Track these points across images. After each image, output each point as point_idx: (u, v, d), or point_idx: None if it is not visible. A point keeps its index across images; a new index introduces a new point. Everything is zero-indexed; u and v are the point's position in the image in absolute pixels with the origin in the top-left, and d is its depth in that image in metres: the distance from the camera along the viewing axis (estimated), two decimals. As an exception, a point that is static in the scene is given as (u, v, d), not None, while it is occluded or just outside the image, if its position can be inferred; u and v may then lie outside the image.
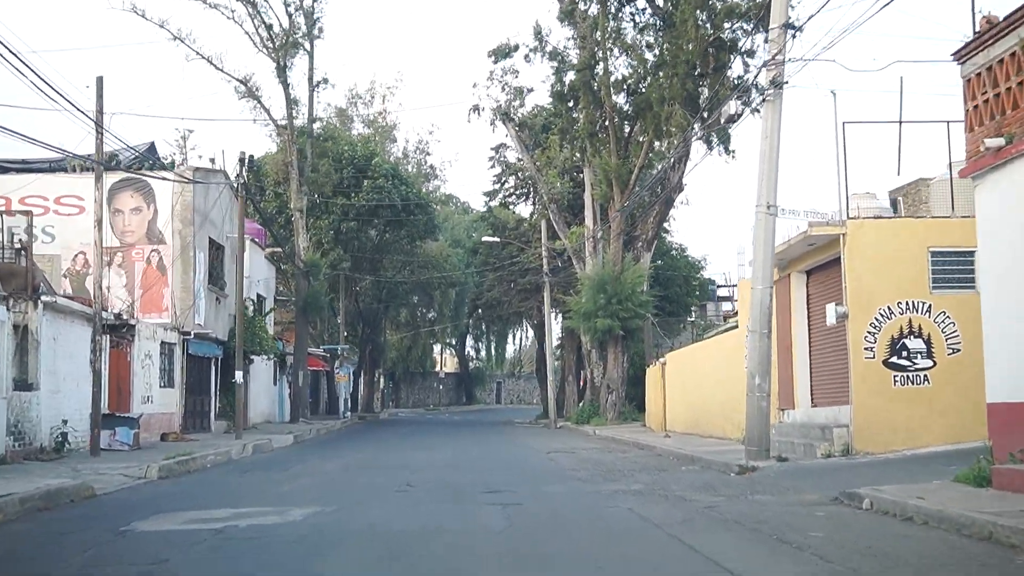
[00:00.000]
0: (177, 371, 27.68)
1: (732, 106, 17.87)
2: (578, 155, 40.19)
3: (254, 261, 37.32)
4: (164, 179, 27.72)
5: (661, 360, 32.59)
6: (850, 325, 16.68)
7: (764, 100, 16.48)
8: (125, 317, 24.38)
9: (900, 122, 16.76)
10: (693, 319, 49.43)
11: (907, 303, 16.68)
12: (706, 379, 26.11)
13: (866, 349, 16.60)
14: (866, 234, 16.73)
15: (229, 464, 20.42)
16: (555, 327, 49.73)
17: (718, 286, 56.85)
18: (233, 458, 21.86)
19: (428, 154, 65.99)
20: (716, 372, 25.16)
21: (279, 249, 41.67)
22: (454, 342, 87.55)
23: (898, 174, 17.13)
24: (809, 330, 19.59)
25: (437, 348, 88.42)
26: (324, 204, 45.53)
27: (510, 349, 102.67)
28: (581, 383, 49.06)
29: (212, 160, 30.57)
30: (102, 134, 19.13)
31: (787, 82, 16.39)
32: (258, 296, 37.95)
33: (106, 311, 21.78)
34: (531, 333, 77.22)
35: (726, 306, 52.85)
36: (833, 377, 18.39)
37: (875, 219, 17.04)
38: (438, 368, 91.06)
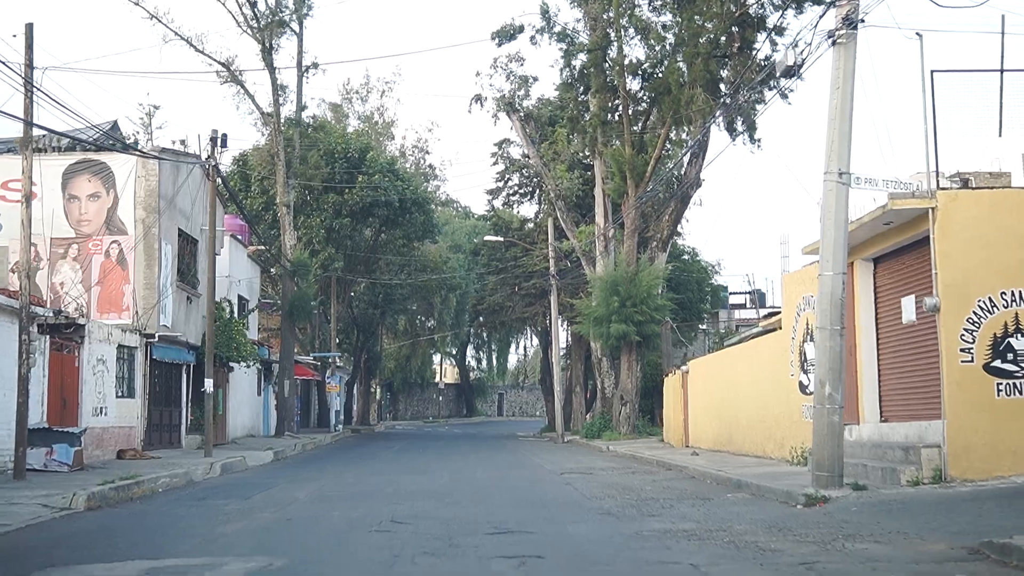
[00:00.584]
0: (139, 379, 24.34)
1: (790, 55, 14.69)
2: (588, 149, 37.19)
3: (235, 259, 34.16)
4: (125, 152, 24.16)
5: (683, 368, 29.32)
6: (942, 321, 13.47)
7: (835, 43, 13.35)
8: (74, 316, 21.17)
9: (1001, 71, 13.60)
10: (705, 327, 46.39)
11: (1012, 293, 13.47)
12: (740, 389, 22.90)
13: (962, 351, 13.37)
14: (961, 208, 13.51)
15: (186, 489, 17.23)
16: (562, 334, 46.53)
17: (731, 292, 53.95)
18: (194, 480, 18.74)
19: (427, 153, 62.83)
20: (753, 381, 21.98)
21: (264, 248, 38.49)
22: (454, 352, 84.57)
23: (999, 135, 13.83)
24: (877, 329, 16.38)
25: (437, 358, 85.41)
26: (315, 200, 42.27)
27: (513, 359, 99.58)
28: (589, 394, 46.10)
29: (183, 142, 27.40)
30: (32, 92, 16.00)
31: (863, 20, 13.30)
32: (240, 298, 34.75)
33: (42, 307, 18.59)
34: (535, 341, 74.19)
35: (745, 313, 49.75)
36: (912, 386, 15.19)
37: (972, 190, 13.82)
38: (438, 379, 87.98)
